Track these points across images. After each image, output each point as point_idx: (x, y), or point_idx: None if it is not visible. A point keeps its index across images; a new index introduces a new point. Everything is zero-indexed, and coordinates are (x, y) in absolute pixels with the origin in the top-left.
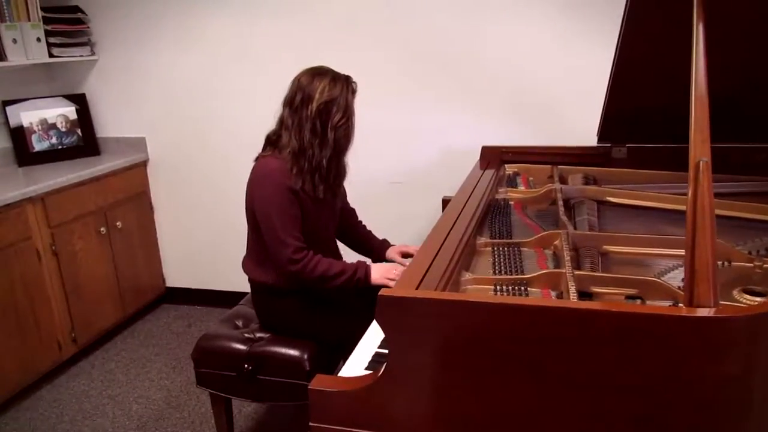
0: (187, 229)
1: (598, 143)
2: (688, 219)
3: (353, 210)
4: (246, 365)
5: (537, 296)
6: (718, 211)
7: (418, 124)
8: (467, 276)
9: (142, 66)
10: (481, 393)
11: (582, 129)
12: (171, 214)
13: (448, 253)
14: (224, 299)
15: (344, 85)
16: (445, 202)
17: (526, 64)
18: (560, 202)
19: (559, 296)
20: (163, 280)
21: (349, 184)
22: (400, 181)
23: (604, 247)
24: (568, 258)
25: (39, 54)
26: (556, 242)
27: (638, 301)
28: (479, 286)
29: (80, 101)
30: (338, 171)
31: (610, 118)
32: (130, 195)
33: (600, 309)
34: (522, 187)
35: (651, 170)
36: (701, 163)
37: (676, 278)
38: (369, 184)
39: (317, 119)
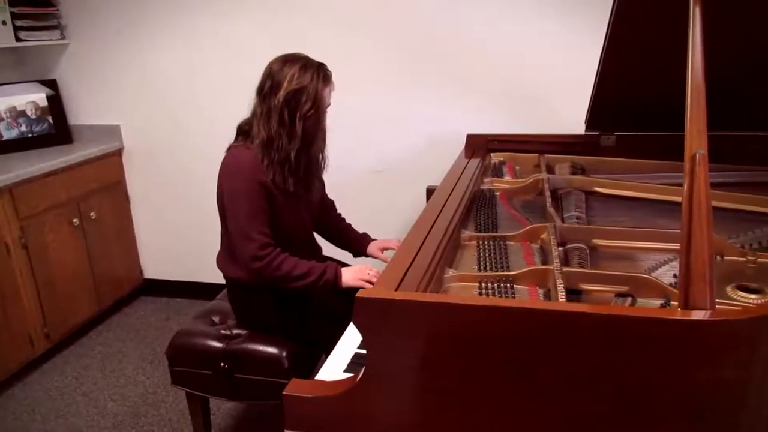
0: (165, 219)
1: (586, 131)
2: (684, 214)
3: (332, 202)
4: (222, 363)
5: (524, 294)
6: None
7: (401, 111)
8: (450, 273)
9: (115, 50)
10: (465, 399)
11: (569, 117)
12: (147, 204)
13: (430, 249)
14: (204, 291)
15: (315, 72)
16: (430, 191)
17: (513, 51)
18: (547, 193)
19: (547, 294)
20: (141, 272)
21: (327, 174)
22: (382, 169)
23: (594, 241)
24: (556, 254)
25: (5, 38)
26: (543, 236)
27: (629, 299)
28: (463, 284)
29: (51, 87)
30: (309, 163)
31: (598, 105)
32: (104, 185)
33: (589, 311)
34: (508, 177)
35: (640, 159)
36: (698, 155)
37: (667, 274)
38: (349, 173)
39: (285, 108)
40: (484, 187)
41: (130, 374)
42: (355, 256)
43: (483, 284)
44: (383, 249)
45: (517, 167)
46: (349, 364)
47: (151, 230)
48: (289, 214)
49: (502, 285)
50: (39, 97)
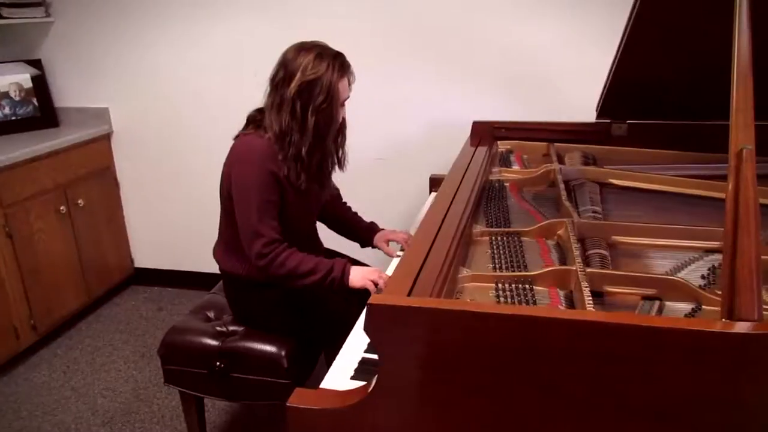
0: (156, 206)
1: (597, 119)
2: (728, 216)
3: (337, 190)
4: (218, 363)
5: (544, 296)
6: None
7: (403, 96)
8: (465, 273)
9: (104, 29)
10: (483, 414)
11: (578, 104)
12: (138, 190)
13: (442, 247)
14: (197, 281)
15: (331, 63)
16: (433, 180)
17: (521, 34)
18: (561, 186)
19: (569, 297)
20: (132, 261)
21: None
22: (384, 157)
23: (613, 237)
24: (577, 253)
25: None
26: (560, 231)
27: (656, 303)
28: (479, 284)
29: (36, 68)
30: (323, 160)
31: (613, 92)
32: (92, 170)
33: (627, 323)
34: (517, 167)
35: (652, 149)
36: (744, 151)
37: (694, 274)
38: (350, 160)
39: (297, 100)
40: (493, 177)
41: (121, 368)
42: (362, 246)
43: (500, 285)
44: (389, 241)
45: (525, 156)
46: (356, 371)
47: (142, 217)
48: (298, 209)
49: (520, 286)
50: (23, 78)
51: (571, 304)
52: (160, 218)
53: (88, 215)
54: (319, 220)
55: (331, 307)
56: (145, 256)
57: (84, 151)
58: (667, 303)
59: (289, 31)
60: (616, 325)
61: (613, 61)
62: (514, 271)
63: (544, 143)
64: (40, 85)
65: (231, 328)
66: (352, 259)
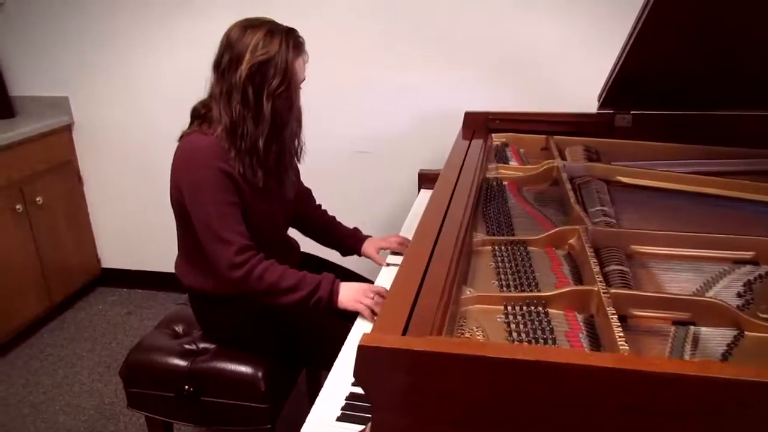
0: (124, 202)
1: (599, 110)
2: None
3: (308, 191)
4: (187, 386)
5: (560, 321)
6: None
7: (388, 83)
8: (468, 293)
9: (60, 11)
10: None
11: (577, 93)
12: (103, 185)
13: (442, 264)
14: (168, 282)
15: (284, 40)
16: (422, 176)
17: (514, 18)
18: (568, 186)
19: (589, 321)
20: (98, 261)
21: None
22: (368, 150)
23: (632, 247)
24: (597, 269)
25: None
26: (572, 241)
27: (691, 330)
28: (485, 307)
29: None
30: (281, 152)
31: (620, 80)
32: (52, 165)
33: (688, 373)
34: (514, 162)
35: (662, 142)
36: None
37: (728, 292)
38: (327, 155)
39: (249, 85)
40: (490, 175)
41: (85, 381)
42: (343, 254)
43: (509, 308)
44: (379, 249)
45: (522, 150)
46: (343, 409)
47: (108, 215)
48: (260, 212)
49: (533, 309)
50: None
51: (592, 330)
52: (128, 215)
53: (48, 213)
54: (292, 226)
55: (315, 320)
56: (112, 256)
57: (42, 145)
58: (703, 329)
59: (262, 13)
60: (674, 376)
61: (623, 48)
62: (524, 291)
63: (543, 136)
64: None
65: (201, 345)
66: (340, 268)
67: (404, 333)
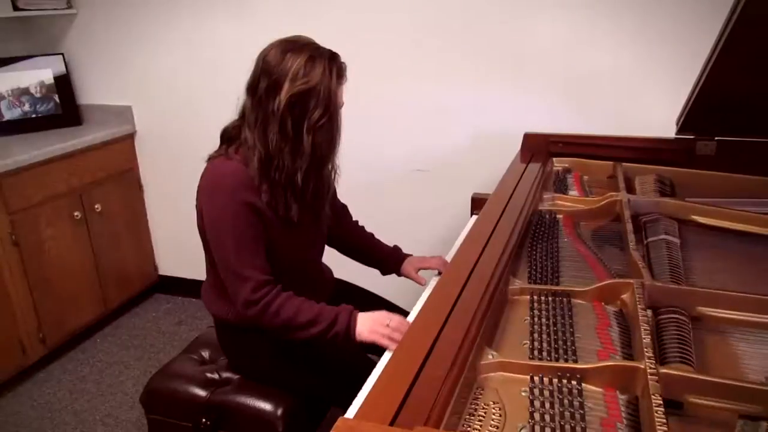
0: (182, 210)
1: (677, 134)
2: None
3: (344, 206)
4: (204, 419)
5: (597, 401)
6: None
7: (445, 101)
8: (491, 357)
9: (128, 22)
10: None
11: (653, 116)
12: (162, 194)
13: (459, 327)
14: None
15: (327, 66)
16: (475, 200)
17: (582, 34)
18: (628, 226)
19: (632, 404)
20: (155, 268)
21: (350, 171)
22: (425, 168)
23: (699, 309)
24: (647, 340)
25: (1, 7)
26: (625, 296)
27: (763, 425)
28: (508, 375)
29: (58, 63)
30: (319, 186)
31: (701, 101)
32: (112, 173)
33: None
34: (575, 192)
35: (750, 175)
36: None
37: None
38: (377, 172)
39: (288, 116)
40: (544, 207)
41: (128, 391)
42: (383, 273)
43: (536, 379)
44: (419, 270)
45: (586, 177)
46: None
47: (167, 222)
48: (290, 245)
49: (565, 383)
50: (45, 73)
51: (634, 418)
52: (187, 223)
53: (107, 220)
54: (327, 245)
55: (340, 354)
56: (169, 264)
57: (104, 153)
58: None
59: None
60: None
61: (705, 66)
62: (558, 360)
63: (610, 162)
64: (62, 82)
65: (224, 375)
66: (374, 296)
67: (394, 420)
